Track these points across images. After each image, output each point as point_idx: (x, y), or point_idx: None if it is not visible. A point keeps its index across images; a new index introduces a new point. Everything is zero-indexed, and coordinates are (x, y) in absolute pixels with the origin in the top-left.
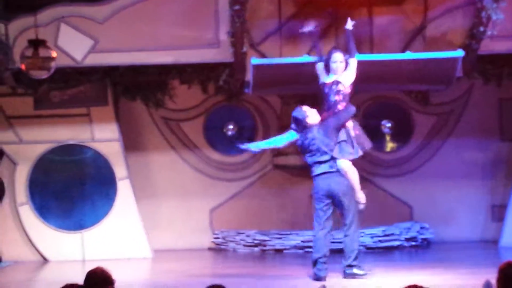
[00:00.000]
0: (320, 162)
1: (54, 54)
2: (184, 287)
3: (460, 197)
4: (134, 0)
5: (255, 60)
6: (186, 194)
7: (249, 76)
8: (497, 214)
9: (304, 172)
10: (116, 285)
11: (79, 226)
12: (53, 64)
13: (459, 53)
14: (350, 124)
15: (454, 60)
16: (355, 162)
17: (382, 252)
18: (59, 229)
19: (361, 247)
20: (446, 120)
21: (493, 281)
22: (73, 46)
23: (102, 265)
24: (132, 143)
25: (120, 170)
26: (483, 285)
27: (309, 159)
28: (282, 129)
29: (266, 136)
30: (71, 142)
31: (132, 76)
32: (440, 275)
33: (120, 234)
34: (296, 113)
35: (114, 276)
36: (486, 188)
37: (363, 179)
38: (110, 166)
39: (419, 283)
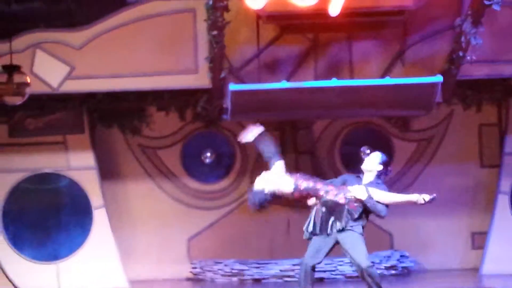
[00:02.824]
0: None
1: (28, 79)
2: None
3: (440, 224)
4: (111, 26)
5: (233, 86)
6: (163, 223)
7: (227, 102)
8: (477, 241)
9: (283, 199)
10: None
11: (54, 256)
12: (27, 90)
13: (438, 78)
14: None
15: (433, 85)
16: None
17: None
18: (34, 260)
19: (341, 276)
20: (426, 146)
21: None
22: (49, 73)
23: None
24: (108, 171)
25: (96, 199)
26: None
27: None
28: (261, 156)
29: (244, 163)
30: (47, 171)
31: (109, 103)
32: None
33: (96, 265)
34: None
35: None
36: (466, 215)
37: None
38: (86, 195)
39: None
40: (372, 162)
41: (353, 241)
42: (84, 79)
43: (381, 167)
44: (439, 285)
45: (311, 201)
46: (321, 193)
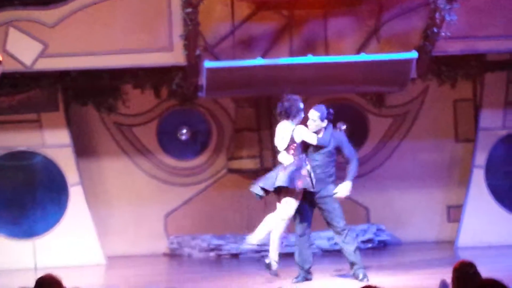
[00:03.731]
0: None
1: (1, 57)
2: None
3: (416, 198)
4: (85, 3)
5: (208, 63)
6: (140, 200)
7: (202, 80)
8: (453, 214)
9: (259, 175)
10: None
11: (30, 233)
12: (0, 68)
13: (413, 54)
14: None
15: (408, 61)
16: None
17: (338, 255)
18: (10, 237)
19: (318, 250)
20: (401, 122)
21: (449, 281)
22: (22, 51)
23: (53, 272)
24: (84, 148)
25: (72, 176)
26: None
27: None
28: (236, 132)
29: (219, 140)
30: (21, 149)
31: (84, 81)
32: (396, 276)
33: (72, 241)
34: None
35: (66, 283)
36: (441, 188)
37: None
38: (61, 172)
39: (375, 285)
40: (314, 123)
41: None
42: (58, 57)
43: (324, 122)
44: (415, 257)
45: None
46: None
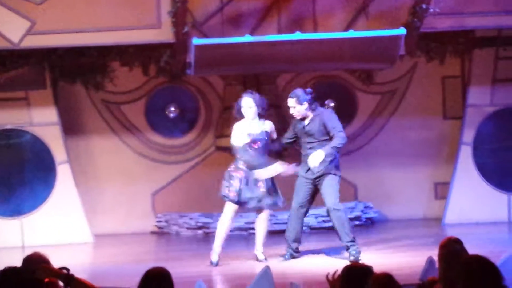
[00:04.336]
0: None
1: None
2: (125, 271)
3: (404, 175)
4: None
5: (197, 41)
6: (128, 178)
7: (191, 57)
8: (440, 191)
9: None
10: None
11: (17, 212)
12: None
13: (401, 31)
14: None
15: (396, 38)
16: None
17: (326, 232)
18: None
19: (306, 228)
20: (390, 99)
21: (436, 258)
22: (9, 28)
23: (41, 251)
24: (71, 127)
25: (59, 155)
26: (426, 262)
27: None
28: (225, 110)
29: (208, 117)
30: (9, 127)
31: (71, 58)
32: (383, 253)
33: (60, 219)
34: None
35: (53, 261)
36: (429, 166)
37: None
38: (49, 151)
39: (362, 262)
40: (296, 110)
41: None
42: (45, 34)
43: (304, 104)
44: (403, 234)
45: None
46: None
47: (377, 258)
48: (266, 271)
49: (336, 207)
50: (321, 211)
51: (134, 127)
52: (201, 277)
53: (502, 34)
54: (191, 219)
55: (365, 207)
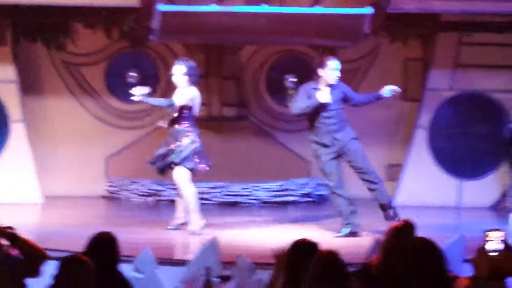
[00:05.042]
0: None
1: None
2: (73, 234)
3: None
4: None
5: (162, 7)
6: (83, 141)
7: (155, 23)
8: (393, 173)
9: (203, 122)
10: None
11: None
12: None
13: (368, 10)
14: None
15: (362, 17)
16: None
17: (277, 207)
18: None
19: (256, 201)
20: (352, 78)
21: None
22: None
23: None
24: (29, 86)
25: (15, 113)
26: (372, 242)
27: None
28: None
29: (168, 84)
30: None
31: (34, 17)
32: (332, 231)
33: (10, 178)
34: None
35: (1, 220)
36: (385, 146)
37: (264, 133)
38: (4, 108)
39: (310, 238)
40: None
41: None
42: None
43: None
44: None
45: None
46: None
47: (324, 235)
48: (213, 242)
49: None
50: (273, 185)
51: (92, 90)
52: (149, 244)
53: (467, 19)
54: (142, 185)
55: (317, 184)
